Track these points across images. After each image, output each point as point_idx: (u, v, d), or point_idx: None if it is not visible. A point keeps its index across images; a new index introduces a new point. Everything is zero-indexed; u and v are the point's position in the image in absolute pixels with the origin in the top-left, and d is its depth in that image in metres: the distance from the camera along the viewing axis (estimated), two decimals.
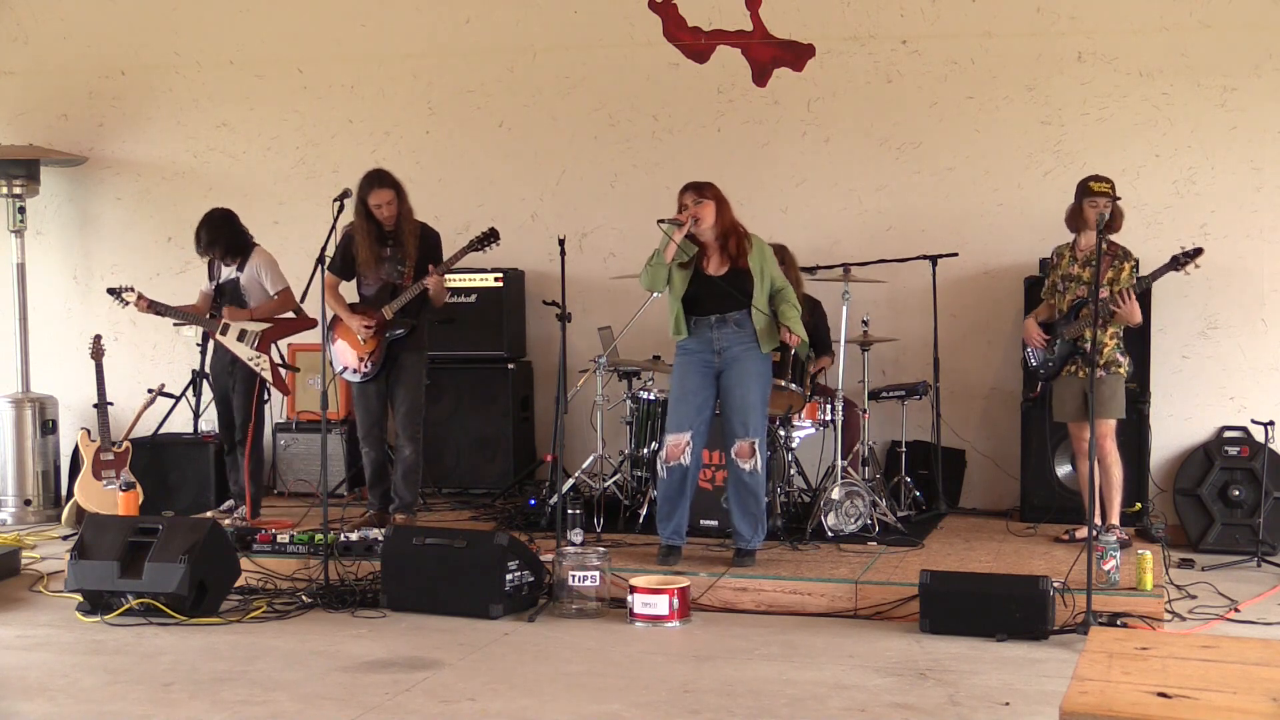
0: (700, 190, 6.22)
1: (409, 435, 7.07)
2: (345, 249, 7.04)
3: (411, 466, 7.10)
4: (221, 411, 7.61)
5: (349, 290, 7.22)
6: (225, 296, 7.46)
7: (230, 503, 7.65)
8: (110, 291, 7.62)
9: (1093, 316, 5.99)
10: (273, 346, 7.43)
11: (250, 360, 7.34)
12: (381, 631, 5.65)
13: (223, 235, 7.40)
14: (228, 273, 7.47)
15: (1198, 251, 6.37)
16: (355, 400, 7.27)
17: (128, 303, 7.50)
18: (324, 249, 6.58)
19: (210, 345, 7.60)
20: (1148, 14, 7.65)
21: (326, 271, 6.78)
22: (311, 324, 7.41)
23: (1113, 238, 6.54)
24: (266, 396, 7.47)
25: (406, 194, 7.03)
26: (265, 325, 7.38)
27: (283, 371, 7.48)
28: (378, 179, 6.93)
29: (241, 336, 7.36)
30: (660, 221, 6.20)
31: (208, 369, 7.72)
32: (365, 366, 7.02)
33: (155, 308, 7.45)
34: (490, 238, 6.99)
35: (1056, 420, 6.88)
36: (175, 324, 8.64)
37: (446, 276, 7.13)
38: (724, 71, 8.23)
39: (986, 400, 7.99)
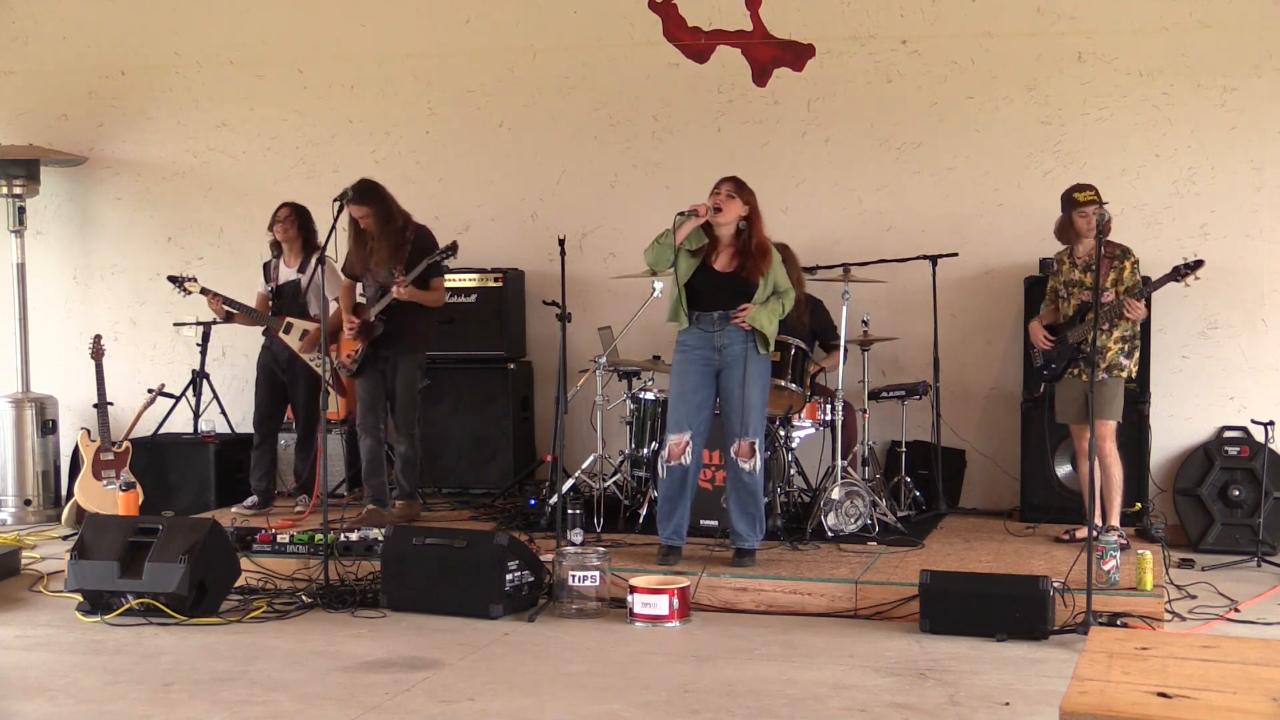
0: (739, 188, 6.20)
1: (405, 432, 7.32)
2: (348, 254, 7.25)
3: (409, 460, 7.36)
4: (264, 404, 7.74)
5: None
6: (285, 298, 7.56)
7: (253, 499, 7.69)
8: (172, 280, 7.77)
9: (1094, 320, 6.00)
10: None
11: (312, 361, 7.50)
12: (381, 631, 5.65)
13: (304, 228, 7.61)
14: (287, 273, 7.60)
15: (1199, 264, 6.38)
16: (357, 393, 7.43)
17: (190, 293, 7.63)
18: (324, 248, 6.62)
19: (269, 341, 7.71)
20: (1148, 14, 7.64)
21: (343, 275, 7.21)
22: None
23: (1108, 238, 6.53)
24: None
25: (391, 201, 7.13)
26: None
27: (342, 375, 7.55)
28: (353, 196, 6.91)
29: (303, 336, 7.50)
30: (680, 214, 6.15)
31: (261, 362, 7.79)
32: (349, 364, 7.26)
33: (228, 304, 7.59)
34: (449, 251, 7.10)
35: (1059, 421, 6.88)
36: (176, 324, 8.66)
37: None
38: (724, 71, 8.23)
39: (986, 400, 7.99)
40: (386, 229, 7.07)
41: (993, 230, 7.87)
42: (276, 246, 7.73)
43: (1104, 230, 5.86)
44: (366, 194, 7.00)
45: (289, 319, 7.55)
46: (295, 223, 7.60)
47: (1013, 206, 7.84)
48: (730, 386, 6.21)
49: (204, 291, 7.61)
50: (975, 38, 7.85)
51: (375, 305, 7.13)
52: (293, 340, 7.53)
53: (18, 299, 8.83)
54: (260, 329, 7.82)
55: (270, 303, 7.69)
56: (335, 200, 6.59)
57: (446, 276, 7.60)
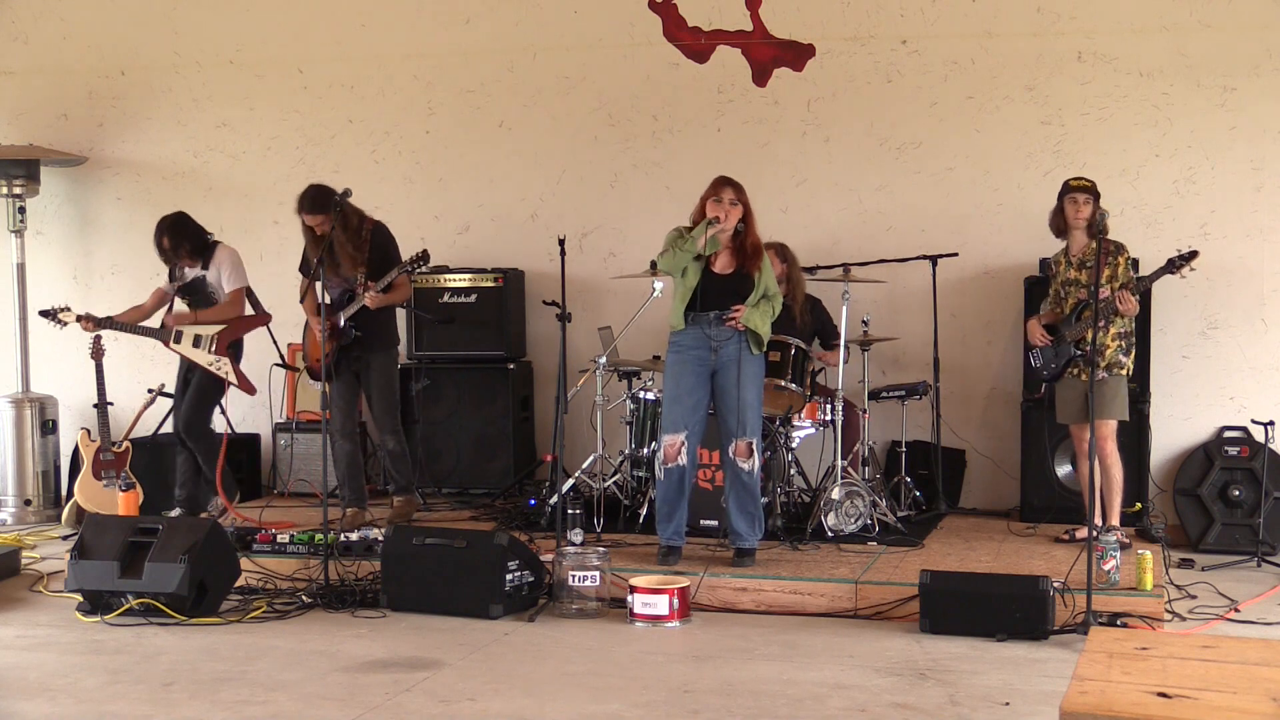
0: (739, 191, 6.22)
1: (389, 430, 7.29)
2: (305, 254, 7.21)
3: (398, 454, 7.33)
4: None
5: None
6: (196, 294, 7.50)
7: (177, 511, 7.52)
8: (44, 314, 7.62)
9: (1093, 318, 5.99)
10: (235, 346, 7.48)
11: (211, 365, 7.37)
12: (381, 631, 5.65)
13: (186, 238, 7.43)
14: (193, 271, 7.50)
15: (1193, 254, 6.38)
16: (331, 398, 7.26)
17: (65, 323, 7.52)
18: (324, 249, 6.62)
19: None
20: (1148, 14, 7.64)
21: (300, 275, 7.07)
22: (267, 319, 7.55)
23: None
24: (222, 403, 7.51)
25: (344, 205, 6.94)
26: (219, 327, 7.39)
27: (253, 371, 7.48)
28: (303, 204, 6.96)
29: (197, 342, 7.37)
30: (708, 221, 6.15)
31: (182, 368, 7.60)
32: (319, 367, 7.16)
33: (104, 325, 7.45)
34: (420, 260, 7.03)
35: (1060, 422, 6.87)
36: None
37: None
38: (724, 71, 8.23)
39: (986, 400, 7.99)
40: (344, 233, 7.01)
41: (993, 230, 7.87)
42: None
43: (1102, 230, 5.86)
44: (314, 205, 6.96)
45: (178, 328, 7.39)
46: (177, 245, 7.39)
47: (1013, 206, 7.83)
48: (726, 386, 6.21)
49: (80, 319, 7.44)
50: (975, 38, 7.85)
51: (344, 311, 7.06)
52: (185, 348, 7.37)
53: (18, 299, 8.83)
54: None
55: (173, 299, 7.51)
56: (333, 209, 6.64)
57: (447, 276, 7.60)
